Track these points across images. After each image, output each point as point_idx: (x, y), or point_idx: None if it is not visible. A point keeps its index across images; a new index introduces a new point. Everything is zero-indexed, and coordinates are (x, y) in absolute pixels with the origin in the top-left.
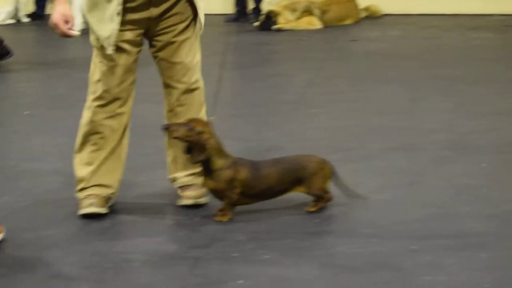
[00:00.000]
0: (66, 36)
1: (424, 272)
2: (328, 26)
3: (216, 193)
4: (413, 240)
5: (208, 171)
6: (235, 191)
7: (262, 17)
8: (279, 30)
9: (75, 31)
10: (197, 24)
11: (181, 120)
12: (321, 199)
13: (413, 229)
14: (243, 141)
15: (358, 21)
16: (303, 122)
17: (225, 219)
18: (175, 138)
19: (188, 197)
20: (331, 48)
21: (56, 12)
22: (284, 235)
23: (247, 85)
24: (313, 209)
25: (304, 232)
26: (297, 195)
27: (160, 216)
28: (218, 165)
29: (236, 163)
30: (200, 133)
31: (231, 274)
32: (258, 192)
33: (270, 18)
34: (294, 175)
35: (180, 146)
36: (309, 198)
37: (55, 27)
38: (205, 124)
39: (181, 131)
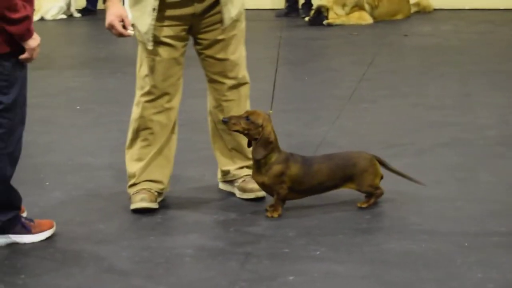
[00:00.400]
0: (122, 36)
1: (476, 270)
2: (379, 21)
3: (265, 187)
4: (465, 237)
5: (259, 164)
6: (284, 186)
7: (312, 12)
8: (329, 25)
9: (131, 31)
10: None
11: (226, 115)
12: (372, 195)
13: (465, 225)
14: (294, 136)
15: (409, 16)
16: (355, 117)
17: (275, 214)
18: (235, 131)
19: (250, 190)
20: (382, 43)
21: (111, 14)
22: (335, 231)
23: (298, 80)
24: (365, 205)
25: (355, 229)
26: (348, 191)
27: (210, 211)
28: (271, 160)
29: (288, 158)
30: (261, 126)
31: (282, 270)
32: (308, 187)
33: (321, 13)
34: (345, 172)
35: (227, 139)
36: (360, 194)
37: (111, 28)
38: (265, 117)
39: (242, 124)
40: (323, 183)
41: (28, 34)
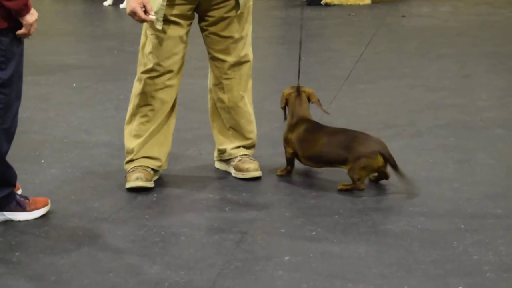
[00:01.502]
0: (145, 21)
1: (472, 252)
2: (377, 2)
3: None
4: (462, 219)
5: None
6: (288, 149)
7: None
8: (327, 5)
9: (153, 16)
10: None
11: (226, 93)
12: (353, 183)
13: (462, 207)
14: None
15: None
16: (353, 98)
17: (283, 172)
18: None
19: (246, 170)
20: (380, 24)
21: (133, 1)
22: (331, 211)
23: (295, 60)
24: (341, 187)
25: (352, 209)
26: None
27: (207, 191)
28: (288, 121)
29: (298, 122)
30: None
31: (278, 250)
32: (309, 155)
33: None
34: (342, 152)
35: (225, 118)
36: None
37: (133, 14)
38: (312, 93)
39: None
40: (320, 154)
41: (25, 10)
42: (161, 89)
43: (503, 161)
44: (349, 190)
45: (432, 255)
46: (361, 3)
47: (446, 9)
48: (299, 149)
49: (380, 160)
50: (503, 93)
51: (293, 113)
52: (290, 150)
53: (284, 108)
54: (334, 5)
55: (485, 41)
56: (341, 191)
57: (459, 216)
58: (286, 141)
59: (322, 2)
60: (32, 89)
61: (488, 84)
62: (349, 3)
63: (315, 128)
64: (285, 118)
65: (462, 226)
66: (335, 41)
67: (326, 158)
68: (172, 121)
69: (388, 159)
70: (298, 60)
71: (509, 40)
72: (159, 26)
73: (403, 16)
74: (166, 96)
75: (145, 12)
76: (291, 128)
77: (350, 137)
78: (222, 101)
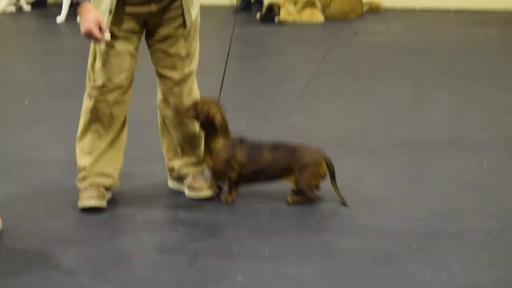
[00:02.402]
0: (100, 41)
1: (424, 270)
2: (331, 19)
3: (214, 172)
4: (414, 237)
5: (210, 149)
6: (233, 170)
7: (264, 9)
8: (281, 22)
9: (108, 35)
10: (188, 19)
11: (172, 109)
12: (303, 194)
13: (415, 226)
14: (245, 134)
15: (361, 15)
16: (306, 115)
17: (229, 198)
18: (190, 119)
19: (199, 189)
20: (334, 41)
21: (87, 20)
22: (284, 230)
23: (248, 76)
24: (290, 200)
25: (305, 228)
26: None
27: (159, 210)
28: (220, 144)
29: (235, 144)
30: (208, 111)
31: (231, 269)
32: (252, 173)
33: (272, 10)
34: (287, 163)
35: (173, 134)
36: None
37: (89, 34)
38: (213, 103)
39: (191, 113)
40: (266, 170)
41: None
42: (112, 105)
43: (455, 179)
44: (301, 202)
45: (385, 273)
46: (314, 20)
47: (399, 26)
48: (244, 169)
49: (325, 167)
50: (455, 110)
51: (226, 133)
52: (234, 173)
53: (203, 123)
54: (287, 22)
55: (438, 58)
56: (294, 203)
57: (411, 234)
58: (228, 164)
59: (276, 20)
60: None
61: (440, 101)
62: (302, 20)
63: (253, 145)
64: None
65: (414, 245)
66: (288, 58)
67: (272, 172)
68: (124, 137)
69: (329, 167)
70: (222, 78)
71: (461, 58)
72: (103, 45)
73: (356, 33)
74: (117, 112)
75: (101, 30)
76: (231, 149)
77: (291, 149)
78: (168, 117)
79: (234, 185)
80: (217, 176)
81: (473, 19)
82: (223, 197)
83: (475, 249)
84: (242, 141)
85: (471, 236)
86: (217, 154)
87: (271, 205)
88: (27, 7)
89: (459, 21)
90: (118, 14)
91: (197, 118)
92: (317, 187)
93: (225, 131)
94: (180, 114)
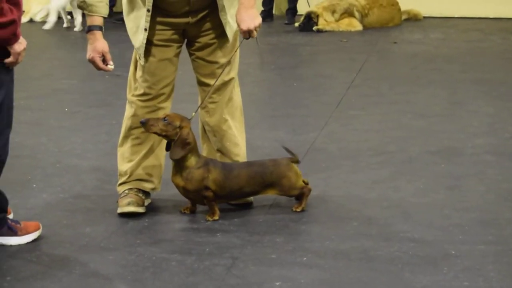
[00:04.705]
0: (103, 70)
1: (462, 278)
2: (369, 28)
3: (187, 192)
4: (452, 245)
5: (179, 168)
6: (209, 190)
7: (302, 18)
8: (319, 31)
9: (111, 66)
10: (229, 32)
11: (211, 117)
12: (302, 196)
13: (452, 233)
14: (282, 142)
15: (400, 24)
16: (344, 124)
17: (216, 217)
18: (154, 133)
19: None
20: (372, 50)
21: (92, 49)
22: (322, 237)
23: (287, 86)
24: (299, 208)
25: (342, 235)
26: (337, 196)
27: (198, 216)
28: (192, 164)
29: (208, 163)
30: (178, 127)
31: (269, 276)
32: (228, 192)
33: (311, 19)
34: (263, 179)
35: (213, 140)
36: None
37: (92, 63)
38: (183, 119)
39: (159, 126)
40: (242, 188)
41: (14, 39)
42: (153, 111)
43: (493, 187)
44: (304, 203)
45: (423, 281)
46: (352, 29)
47: (437, 35)
48: (220, 190)
49: (295, 167)
50: (492, 119)
51: (197, 153)
52: (211, 193)
53: (172, 138)
54: (325, 31)
55: (475, 67)
56: (302, 210)
57: (449, 242)
58: (204, 186)
59: (314, 28)
60: (23, 114)
61: (478, 110)
62: (340, 29)
63: (225, 165)
64: (167, 148)
65: (453, 252)
66: (326, 67)
67: (250, 189)
68: (165, 142)
69: (296, 161)
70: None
71: (499, 67)
72: (142, 62)
73: (395, 42)
74: None
75: (104, 61)
76: (205, 171)
77: (261, 165)
78: (208, 124)
79: (213, 203)
80: (189, 196)
81: None
82: (208, 217)
83: None
84: (213, 161)
85: (509, 244)
86: (189, 173)
87: (308, 213)
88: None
89: (498, 29)
90: (158, 24)
91: (166, 131)
92: (305, 183)
93: (195, 149)
94: (148, 125)
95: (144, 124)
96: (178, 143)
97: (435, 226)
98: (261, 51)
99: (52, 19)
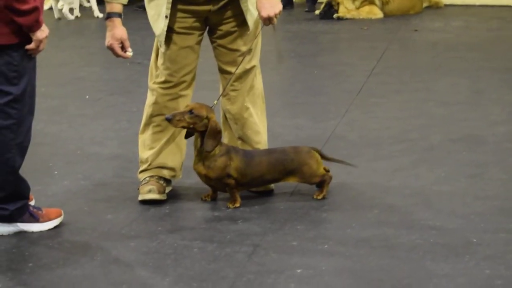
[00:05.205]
0: (122, 57)
1: (484, 266)
2: (389, 15)
3: (209, 180)
4: (474, 233)
5: (202, 155)
6: (231, 177)
7: (322, 6)
8: (340, 18)
9: (130, 53)
10: (249, 20)
11: (232, 104)
12: (322, 183)
13: (474, 222)
14: (303, 130)
15: (421, 12)
16: (365, 112)
17: (237, 204)
18: (182, 127)
19: None
20: (393, 38)
21: (111, 37)
22: (343, 225)
23: (307, 73)
24: (320, 196)
25: (364, 223)
26: (358, 184)
27: (219, 203)
28: (214, 151)
29: (229, 150)
30: (206, 118)
31: (290, 263)
32: (250, 180)
33: (331, 7)
34: (284, 166)
35: (234, 128)
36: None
37: (110, 50)
38: (209, 109)
39: (186, 119)
40: (263, 175)
41: (36, 26)
42: (174, 99)
43: None
44: (326, 190)
45: (444, 269)
46: (373, 17)
47: (458, 23)
48: (242, 177)
49: (317, 154)
50: None
51: (219, 142)
52: (232, 181)
53: (200, 129)
54: (346, 19)
55: (497, 56)
56: (324, 197)
57: (471, 230)
58: (226, 174)
59: (334, 16)
60: (44, 102)
61: (500, 98)
62: (361, 17)
63: (246, 153)
64: (187, 136)
65: (474, 240)
66: (347, 55)
67: (271, 177)
68: (185, 131)
69: (319, 152)
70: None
71: None
72: (163, 49)
73: (416, 30)
74: (179, 106)
75: (123, 48)
76: (227, 158)
77: (282, 152)
78: (229, 112)
79: (234, 190)
80: (211, 183)
81: None
82: (229, 204)
83: None
84: (234, 148)
85: None
86: (213, 162)
87: (329, 200)
88: (88, 4)
89: None
90: (179, 12)
91: (193, 123)
92: (326, 171)
93: (220, 137)
94: (174, 120)
95: (171, 120)
96: (210, 134)
97: (457, 214)
98: (279, 47)
99: (76, 6)
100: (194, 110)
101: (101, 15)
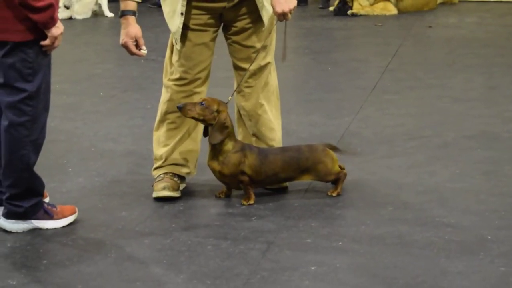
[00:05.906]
0: (136, 55)
1: (498, 263)
2: (403, 12)
3: (223, 176)
4: (488, 230)
5: (216, 152)
6: (245, 174)
7: (337, 2)
8: (354, 15)
9: (144, 50)
10: (264, 16)
11: (247, 101)
12: (337, 181)
13: (489, 219)
14: (317, 127)
15: (435, 8)
16: (379, 108)
17: (251, 201)
18: (191, 117)
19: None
20: (407, 34)
21: (125, 35)
22: (357, 222)
23: (321, 70)
24: (334, 193)
25: (378, 220)
26: (372, 181)
27: (233, 200)
28: (229, 148)
29: (244, 147)
30: (216, 111)
31: (304, 260)
32: (264, 178)
33: (346, 3)
34: (299, 165)
35: (248, 125)
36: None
37: (125, 48)
38: (221, 103)
39: (197, 110)
40: (277, 174)
41: (51, 22)
42: (189, 96)
43: None
44: (340, 187)
45: (459, 266)
46: (387, 13)
47: (472, 19)
48: (256, 175)
49: (331, 152)
50: None
51: (234, 138)
52: (246, 178)
53: (210, 123)
54: (360, 15)
55: (511, 52)
56: (339, 194)
57: (486, 227)
58: (240, 171)
59: (348, 12)
60: (59, 98)
61: None
62: (375, 13)
63: (261, 150)
64: (205, 134)
65: (489, 237)
66: (361, 51)
67: (285, 175)
68: (200, 127)
69: (333, 148)
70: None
71: None
72: (178, 46)
73: (430, 26)
74: None
75: (137, 46)
76: (241, 155)
77: (297, 150)
78: (243, 108)
79: (248, 187)
80: (225, 180)
81: None
82: (244, 201)
83: None
84: (249, 146)
85: None
86: (226, 157)
87: (344, 197)
88: (103, 1)
89: None
90: (194, 8)
91: (203, 115)
92: (341, 168)
93: (233, 133)
94: (185, 109)
95: (182, 108)
96: (217, 128)
97: (471, 211)
98: (285, 44)
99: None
100: (206, 102)
101: (111, 15)
